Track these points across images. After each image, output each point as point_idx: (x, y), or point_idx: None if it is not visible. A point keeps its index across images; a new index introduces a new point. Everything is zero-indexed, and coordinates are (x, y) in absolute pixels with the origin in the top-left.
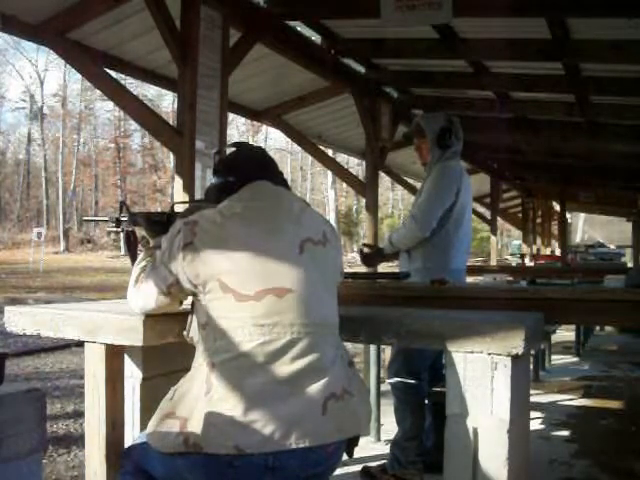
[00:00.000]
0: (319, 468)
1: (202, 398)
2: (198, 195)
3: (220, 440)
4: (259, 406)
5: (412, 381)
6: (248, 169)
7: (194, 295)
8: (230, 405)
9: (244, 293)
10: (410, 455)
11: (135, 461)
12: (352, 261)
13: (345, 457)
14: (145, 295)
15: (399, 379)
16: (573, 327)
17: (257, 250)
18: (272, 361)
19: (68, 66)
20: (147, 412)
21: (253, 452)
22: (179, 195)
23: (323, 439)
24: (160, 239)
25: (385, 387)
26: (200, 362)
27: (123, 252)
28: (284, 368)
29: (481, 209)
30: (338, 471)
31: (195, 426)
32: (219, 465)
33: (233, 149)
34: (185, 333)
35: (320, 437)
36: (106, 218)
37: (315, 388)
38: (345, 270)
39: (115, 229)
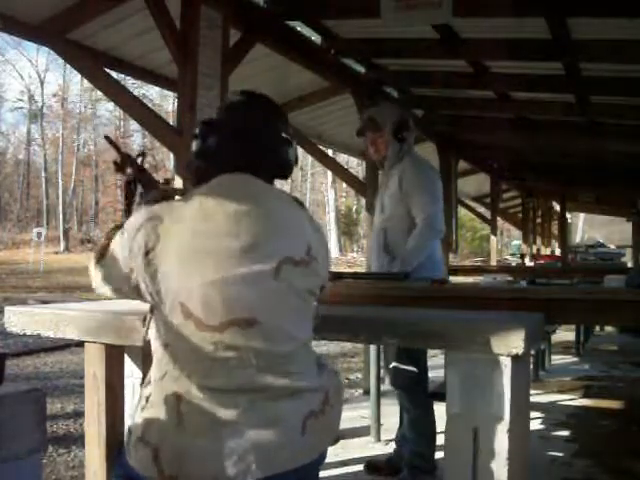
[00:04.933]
0: (305, 474)
1: (173, 429)
2: None
3: (198, 473)
4: (235, 437)
5: (414, 369)
6: (237, 138)
7: (153, 306)
8: (205, 437)
9: (207, 323)
10: (431, 459)
11: (127, 468)
12: (352, 261)
13: (346, 457)
14: (108, 286)
15: (400, 365)
16: (573, 327)
17: (226, 273)
18: (243, 391)
19: (68, 66)
20: None
21: None
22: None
23: (303, 460)
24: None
25: (385, 387)
26: (165, 385)
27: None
28: (255, 398)
29: (481, 209)
30: (338, 471)
31: (168, 457)
32: None
33: (235, 101)
34: (144, 329)
35: (300, 458)
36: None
37: (293, 411)
38: (345, 270)
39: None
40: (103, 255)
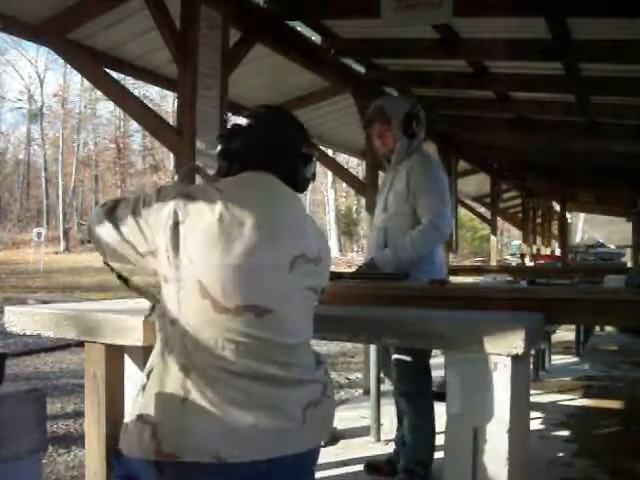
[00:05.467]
0: (303, 462)
1: (177, 405)
2: None
3: (198, 449)
4: (239, 417)
5: (418, 374)
6: (263, 151)
7: (165, 281)
8: (209, 415)
9: (223, 305)
10: (429, 465)
11: (124, 467)
12: (352, 261)
13: (346, 457)
14: (110, 243)
15: (402, 357)
16: (573, 327)
17: (248, 259)
18: (248, 375)
19: (68, 66)
20: None
21: (233, 462)
22: None
23: (302, 447)
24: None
25: (385, 387)
26: (168, 360)
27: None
28: (259, 384)
29: (481, 209)
30: (338, 471)
31: (169, 433)
32: (212, 471)
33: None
34: (147, 314)
35: (300, 445)
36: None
37: (294, 400)
38: (345, 270)
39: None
40: (114, 209)
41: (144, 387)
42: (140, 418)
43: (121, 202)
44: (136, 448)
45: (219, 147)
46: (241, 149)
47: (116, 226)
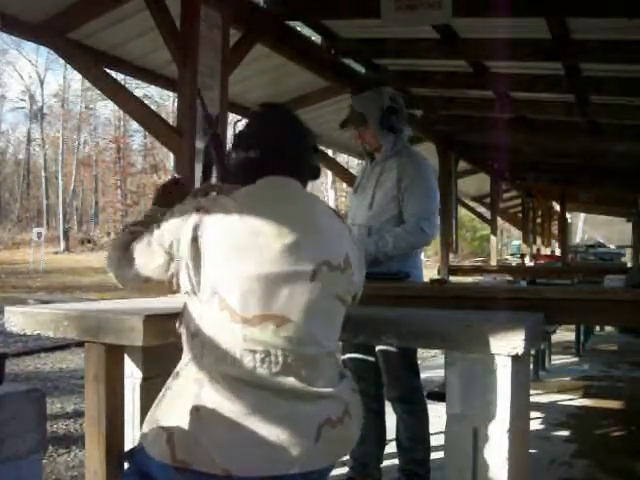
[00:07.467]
0: None
1: (190, 415)
2: None
3: (208, 460)
4: (249, 431)
5: (412, 378)
6: (274, 153)
7: (187, 295)
8: (219, 427)
9: (241, 315)
10: (428, 464)
11: (138, 464)
12: None
13: (345, 457)
14: (135, 277)
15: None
16: (573, 327)
17: (264, 269)
18: (264, 387)
19: (68, 66)
20: (147, 412)
21: (241, 476)
22: None
23: (313, 465)
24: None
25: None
26: (186, 372)
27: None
28: (276, 395)
29: (481, 209)
30: (338, 471)
31: (181, 441)
32: None
33: (259, 116)
34: (177, 325)
35: (310, 464)
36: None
37: (308, 415)
38: None
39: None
40: (127, 248)
41: (165, 393)
42: (158, 423)
43: (129, 244)
44: (154, 450)
45: (233, 160)
46: (258, 161)
47: (132, 271)
